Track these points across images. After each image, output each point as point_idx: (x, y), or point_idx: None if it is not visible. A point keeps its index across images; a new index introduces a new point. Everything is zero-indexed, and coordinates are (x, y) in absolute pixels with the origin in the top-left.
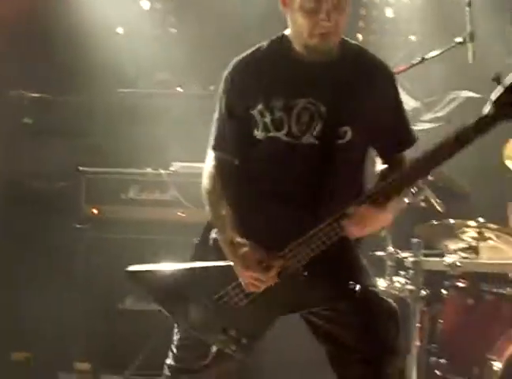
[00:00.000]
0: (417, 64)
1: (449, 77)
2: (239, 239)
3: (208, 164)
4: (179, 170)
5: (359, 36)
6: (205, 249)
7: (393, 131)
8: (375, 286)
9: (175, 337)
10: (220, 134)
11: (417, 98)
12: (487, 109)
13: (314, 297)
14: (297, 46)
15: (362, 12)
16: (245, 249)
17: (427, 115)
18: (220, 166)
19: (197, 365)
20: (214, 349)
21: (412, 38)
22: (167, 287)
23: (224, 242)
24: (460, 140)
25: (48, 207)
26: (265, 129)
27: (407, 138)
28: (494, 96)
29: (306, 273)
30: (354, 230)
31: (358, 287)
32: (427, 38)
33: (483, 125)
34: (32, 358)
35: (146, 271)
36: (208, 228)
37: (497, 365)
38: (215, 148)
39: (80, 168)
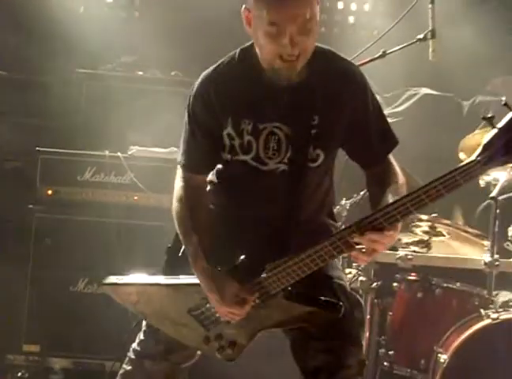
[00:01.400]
0: (378, 58)
1: (409, 74)
2: (210, 268)
3: (177, 184)
4: (137, 153)
5: (322, 29)
6: (176, 259)
7: (375, 141)
8: (342, 279)
9: (144, 325)
10: (187, 152)
11: (377, 92)
12: (476, 153)
13: (296, 315)
14: (264, 65)
15: (326, 4)
16: (220, 281)
17: (385, 110)
18: (188, 187)
19: (159, 353)
20: (199, 352)
21: (375, 32)
22: (146, 302)
23: (196, 270)
24: (449, 183)
25: (1, 186)
26: (233, 151)
27: (388, 145)
28: (485, 141)
29: (289, 288)
30: (365, 259)
31: (341, 304)
32: (390, 33)
33: (474, 168)
34: None
35: (122, 284)
36: (179, 237)
37: (443, 358)
38: (183, 166)
39: (37, 148)
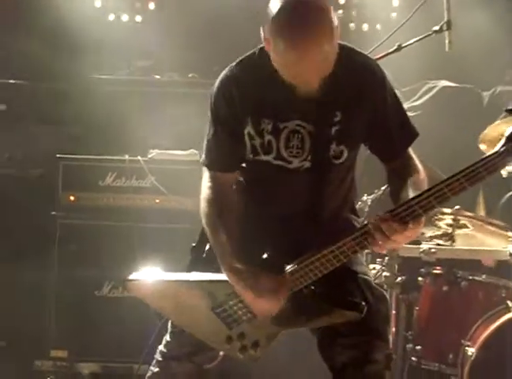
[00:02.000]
0: (393, 51)
1: (427, 66)
2: (240, 266)
3: (203, 184)
4: (157, 157)
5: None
6: (200, 257)
7: (395, 135)
8: (367, 274)
9: (170, 326)
10: (211, 150)
11: (395, 87)
12: (499, 145)
13: (319, 314)
14: None
15: (341, 1)
16: (253, 277)
17: (404, 104)
18: (214, 185)
19: (184, 354)
20: (221, 353)
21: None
22: (169, 299)
23: (225, 269)
24: (471, 175)
25: (24, 194)
26: (254, 151)
27: (408, 138)
28: (508, 132)
29: (312, 287)
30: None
31: (364, 304)
32: (405, 26)
33: (496, 160)
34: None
35: (146, 280)
36: (203, 238)
37: (471, 351)
38: (208, 167)
39: (58, 155)
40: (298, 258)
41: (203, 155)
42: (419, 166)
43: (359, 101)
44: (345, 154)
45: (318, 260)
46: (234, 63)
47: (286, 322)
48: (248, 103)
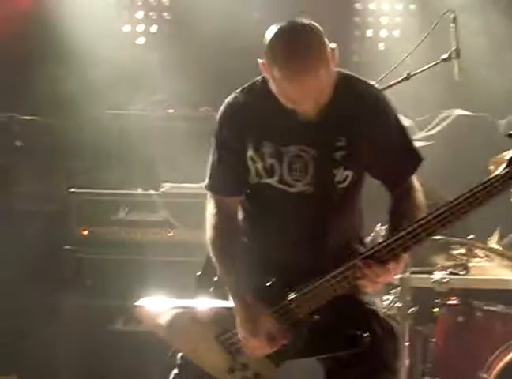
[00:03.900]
0: (403, 80)
1: (441, 96)
2: (248, 298)
3: (208, 211)
4: (169, 190)
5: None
6: (206, 285)
7: (399, 161)
8: (374, 304)
9: (178, 358)
10: (214, 175)
11: (409, 117)
12: (501, 168)
13: (323, 344)
14: None
15: (355, 33)
16: (254, 314)
17: (419, 134)
18: (219, 211)
19: None
20: None
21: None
22: (174, 326)
23: (233, 297)
24: (472, 199)
25: (38, 229)
26: (257, 174)
27: (413, 163)
28: (509, 155)
29: (317, 316)
30: (367, 287)
31: (367, 335)
32: (415, 55)
33: (496, 184)
34: None
35: (154, 306)
36: (208, 266)
37: None
38: (211, 191)
39: (71, 190)
40: (301, 285)
41: (206, 180)
42: (420, 196)
43: (363, 127)
44: (350, 178)
45: (321, 286)
46: (238, 90)
47: (289, 352)
48: (250, 127)
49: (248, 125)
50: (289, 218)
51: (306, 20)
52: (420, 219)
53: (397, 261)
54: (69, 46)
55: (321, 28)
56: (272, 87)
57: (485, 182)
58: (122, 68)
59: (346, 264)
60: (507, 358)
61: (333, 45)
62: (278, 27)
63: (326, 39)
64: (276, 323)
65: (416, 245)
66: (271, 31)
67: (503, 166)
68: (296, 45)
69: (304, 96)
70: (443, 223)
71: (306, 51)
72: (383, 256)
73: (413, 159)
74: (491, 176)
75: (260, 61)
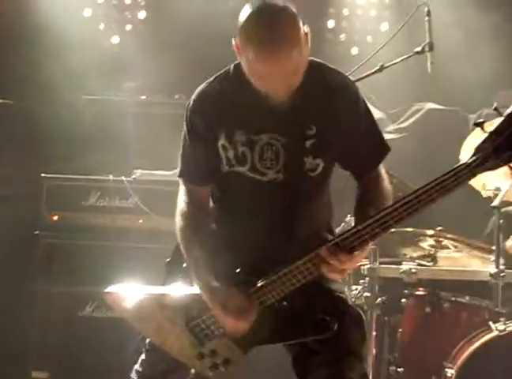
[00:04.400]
0: (376, 72)
1: (413, 89)
2: (214, 284)
3: (180, 198)
4: (140, 177)
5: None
6: (175, 271)
7: (367, 151)
8: (343, 292)
9: (146, 344)
10: (186, 164)
11: (381, 109)
12: (468, 156)
13: (290, 330)
14: None
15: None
16: (223, 295)
17: (390, 126)
18: (190, 200)
19: (158, 373)
20: (193, 371)
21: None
22: (143, 312)
23: (199, 285)
24: (440, 187)
25: (8, 213)
26: (229, 163)
27: (380, 152)
28: (476, 144)
29: (284, 303)
30: (333, 274)
31: (334, 321)
32: (390, 48)
33: (463, 172)
34: None
35: (123, 293)
36: (177, 253)
37: (451, 372)
38: (183, 179)
39: (42, 174)
40: (270, 273)
41: (178, 168)
42: (387, 185)
43: (333, 115)
44: (321, 167)
45: (291, 273)
46: (208, 80)
47: (257, 338)
48: (222, 116)
49: (220, 113)
50: (259, 206)
51: (280, 1)
52: (388, 207)
53: (362, 249)
54: (46, 30)
55: (295, 10)
56: (245, 68)
57: (452, 170)
58: (98, 54)
59: (314, 252)
60: (471, 349)
61: (306, 29)
62: (253, 6)
63: (301, 21)
64: (243, 297)
65: (384, 233)
66: (245, 11)
67: (471, 154)
68: (271, 24)
69: (277, 77)
70: (410, 211)
71: (281, 31)
72: (351, 243)
73: (381, 148)
74: (459, 164)
75: (234, 42)
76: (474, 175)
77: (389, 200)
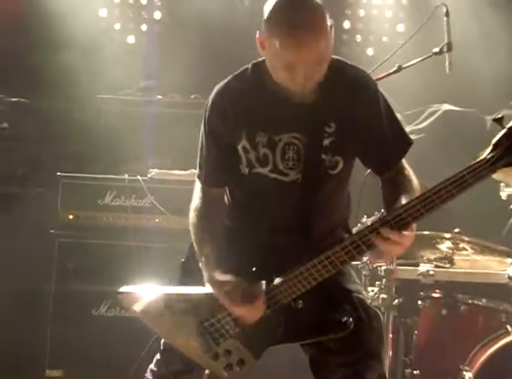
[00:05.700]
0: (394, 72)
1: (430, 90)
2: (220, 277)
3: (195, 195)
4: (156, 176)
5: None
6: (192, 270)
7: (390, 145)
8: (361, 292)
9: (161, 344)
10: (204, 165)
11: (398, 110)
12: (487, 152)
13: (306, 330)
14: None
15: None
16: (227, 286)
17: (407, 128)
18: (205, 198)
19: (171, 373)
20: (207, 371)
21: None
22: (157, 312)
23: (208, 281)
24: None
25: (24, 211)
26: (250, 165)
27: (403, 146)
28: (495, 140)
29: (300, 303)
30: (394, 250)
31: (351, 320)
32: (409, 49)
33: (481, 168)
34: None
35: (138, 293)
36: (192, 253)
37: (468, 375)
38: (200, 178)
39: (58, 173)
40: (287, 271)
41: (197, 169)
42: (413, 177)
43: (353, 113)
44: (341, 165)
45: (307, 271)
46: (226, 79)
47: (273, 338)
48: (242, 117)
49: (239, 114)
50: (278, 205)
51: None
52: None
53: (408, 230)
54: (62, 30)
55: (321, 2)
56: (270, 62)
57: (471, 166)
58: (114, 53)
59: (331, 250)
60: (489, 352)
61: (331, 21)
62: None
63: (327, 14)
64: (248, 284)
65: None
66: (270, 3)
67: (489, 150)
68: (300, 12)
69: (303, 66)
70: (428, 207)
71: (309, 18)
72: (391, 227)
73: (403, 142)
74: (477, 160)
75: (257, 35)
76: (493, 171)
77: (416, 190)
